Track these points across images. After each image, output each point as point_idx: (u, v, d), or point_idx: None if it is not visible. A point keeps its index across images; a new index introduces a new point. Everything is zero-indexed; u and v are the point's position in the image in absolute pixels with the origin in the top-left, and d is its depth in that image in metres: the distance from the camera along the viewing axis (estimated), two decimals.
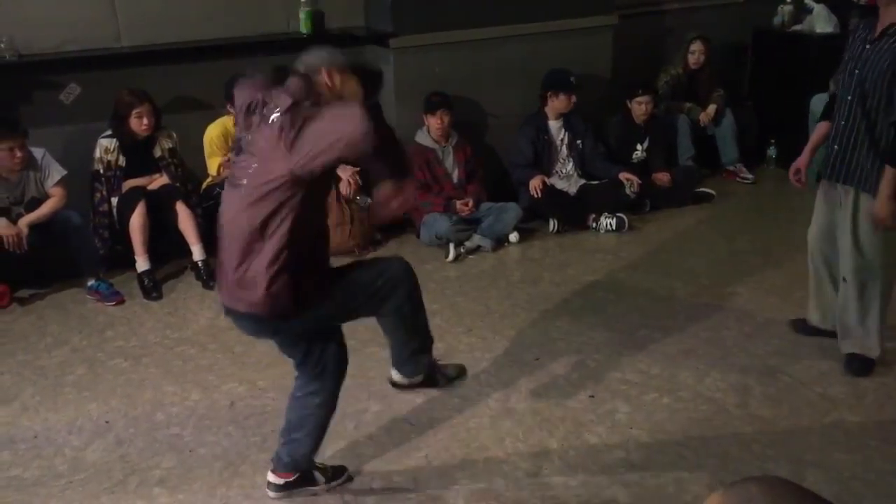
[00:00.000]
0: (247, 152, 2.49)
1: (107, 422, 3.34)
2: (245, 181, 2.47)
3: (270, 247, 2.44)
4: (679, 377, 3.52)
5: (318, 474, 2.87)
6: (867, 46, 3.16)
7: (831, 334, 3.59)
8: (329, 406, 2.78)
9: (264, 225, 2.43)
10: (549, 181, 5.27)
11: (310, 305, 2.57)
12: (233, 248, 2.50)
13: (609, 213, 5.18)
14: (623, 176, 5.31)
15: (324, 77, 2.53)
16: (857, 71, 3.19)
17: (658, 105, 5.76)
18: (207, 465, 3.04)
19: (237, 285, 2.51)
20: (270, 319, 2.55)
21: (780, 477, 1.06)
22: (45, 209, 4.34)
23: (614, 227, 5.16)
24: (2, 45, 4.41)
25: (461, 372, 3.55)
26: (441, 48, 5.22)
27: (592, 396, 3.40)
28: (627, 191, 5.29)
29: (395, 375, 3.41)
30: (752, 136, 6.23)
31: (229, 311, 2.64)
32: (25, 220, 4.26)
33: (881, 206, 3.14)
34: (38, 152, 4.35)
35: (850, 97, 3.22)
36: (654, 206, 5.46)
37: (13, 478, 3.00)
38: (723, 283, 4.41)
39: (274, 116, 2.42)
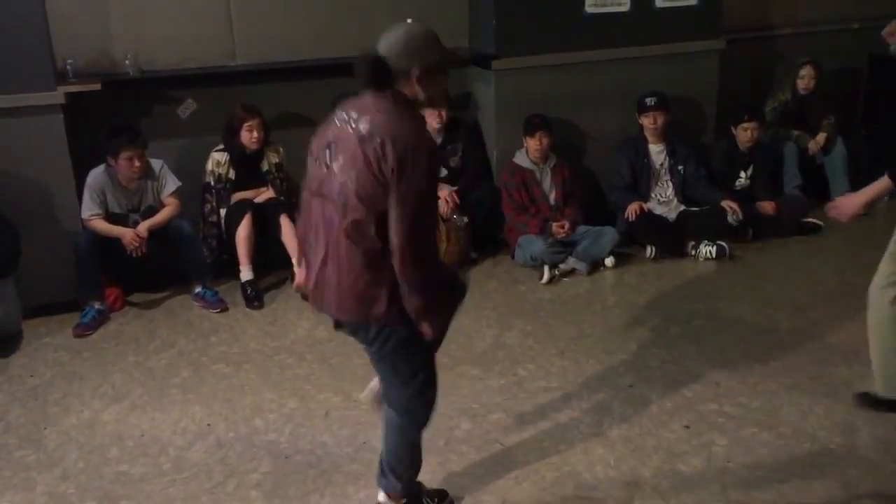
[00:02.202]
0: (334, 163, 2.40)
1: (208, 424, 3.46)
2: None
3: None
4: (781, 412, 3.40)
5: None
6: None
7: None
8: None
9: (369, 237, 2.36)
10: (647, 206, 5.20)
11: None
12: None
13: (709, 241, 5.06)
14: (725, 203, 5.19)
15: (415, 84, 2.35)
16: None
17: (765, 131, 5.62)
18: (302, 472, 3.11)
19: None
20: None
21: None
22: (161, 216, 4.57)
23: (714, 255, 5.04)
24: (127, 62, 4.68)
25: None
26: (543, 70, 5.24)
27: (688, 427, 3.32)
28: (729, 218, 5.15)
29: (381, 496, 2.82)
30: (865, 166, 5.98)
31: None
32: (145, 225, 4.49)
33: (854, 202, 3.08)
34: (156, 163, 4.59)
35: None
36: (758, 236, 5.31)
37: (121, 473, 3.14)
38: (830, 317, 4.24)
39: (364, 131, 2.31)
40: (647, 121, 5.25)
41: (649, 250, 5.13)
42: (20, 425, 3.50)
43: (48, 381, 3.87)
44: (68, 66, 4.51)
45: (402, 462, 2.74)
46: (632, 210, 5.10)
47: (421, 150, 2.28)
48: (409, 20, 2.44)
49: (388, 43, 2.36)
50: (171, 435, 3.39)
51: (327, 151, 2.41)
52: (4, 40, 4.20)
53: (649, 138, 5.31)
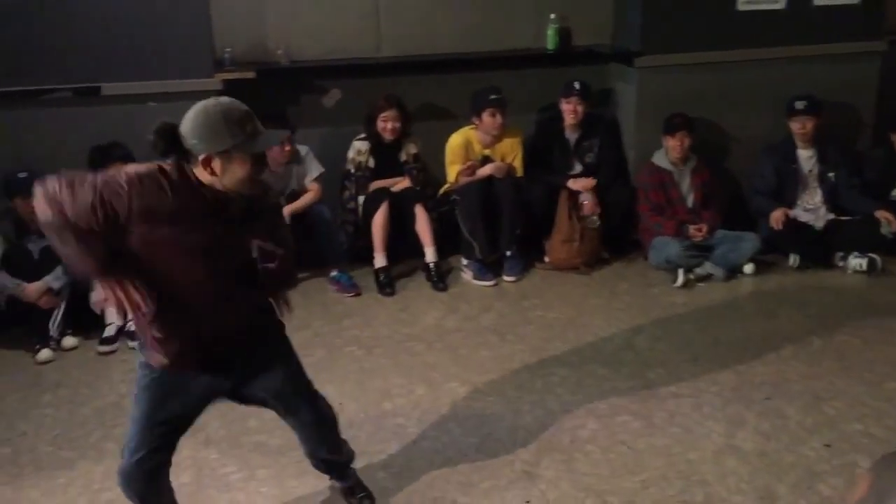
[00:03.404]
0: None
1: (340, 403, 3.55)
2: None
3: None
4: None
5: None
6: None
7: None
8: None
9: None
10: (792, 213, 4.98)
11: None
12: None
13: (860, 253, 4.79)
14: (880, 214, 4.88)
15: (199, 168, 2.20)
16: None
17: None
18: (428, 458, 3.16)
19: None
20: None
21: None
22: (303, 201, 4.75)
23: (865, 269, 4.76)
24: (279, 52, 4.89)
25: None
26: (688, 69, 5.11)
27: (829, 446, 3.16)
28: (883, 230, 4.85)
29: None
30: None
31: None
32: (288, 210, 4.67)
33: None
34: (303, 149, 4.78)
35: None
36: None
37: (259, 443, 3.29)
38: None
39: None
40: (795, 125, 5.02)
41: (793, 259, 4.90)
42: None
43: None
44: (226, 55, 4.75)
45: None
46: (777, 217, 4.89)
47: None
48: (217, 99, 2.23)
49: (185, 118, 2.21)
50: None
51: None
52: (170, 30, 4.49)
53: (798, 143, 5.07)
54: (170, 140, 2.18)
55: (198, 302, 2.31)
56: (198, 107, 2.20)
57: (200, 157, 2.18)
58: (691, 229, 4.84)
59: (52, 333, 4.12)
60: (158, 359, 2.38)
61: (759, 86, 5.20)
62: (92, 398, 3.69)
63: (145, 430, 2.42)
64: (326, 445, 2.78)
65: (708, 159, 5.10)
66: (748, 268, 4.82)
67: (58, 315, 4.14)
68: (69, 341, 4.15)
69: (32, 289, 4.10)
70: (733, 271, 4.81)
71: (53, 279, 4.11)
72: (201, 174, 2.22)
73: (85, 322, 4.25)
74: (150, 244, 2.20)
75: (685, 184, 5.01)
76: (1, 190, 4.24)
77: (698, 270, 4.78)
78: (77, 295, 4.23)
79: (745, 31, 5.11)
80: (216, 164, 2.18)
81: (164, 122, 2.20)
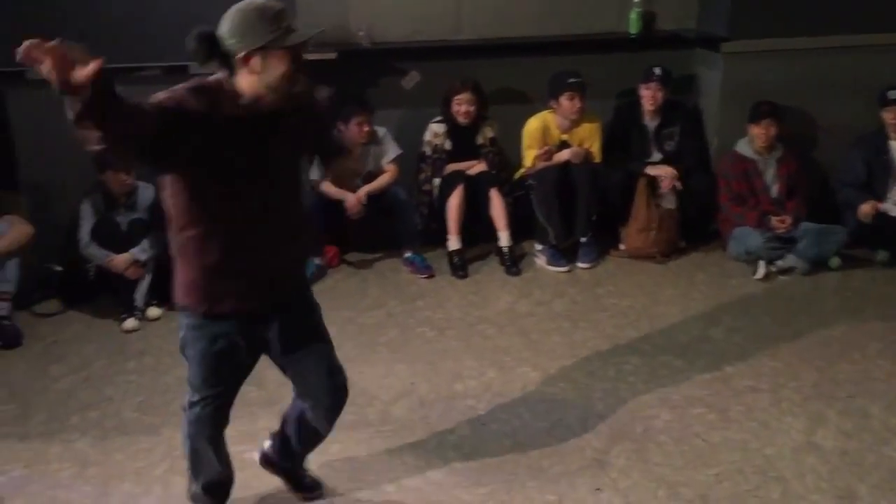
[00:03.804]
0: None
1: (412, 383, 3.61)
2: None
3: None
4: None
5: None
6: None
7: None
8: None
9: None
10: (882, 207, 4.79)
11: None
12: None
13: None
14: None
15: (242, 68, 2.19)
16: None
17: None
18: (498, 441, 3.17)
19: None
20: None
21: None
22: (380, 182, 4.79)
23: None
24: (360, 33, 4.93)
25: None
26: (777, 55, 4.95)
27: None
28: None
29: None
30: None
31: None
32: (365, 190, 4.74)
33: None
34: (380, 130, 4.81)
35: None
36: None
37: None
38: None
39: None
40: (888, 116, 4.82)
41: (881, 255, 4.73)
42: None
43: None
44: None
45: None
46: (865, 210, 4.71)
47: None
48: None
49: (221, 22, 2.20)
50: (377, 389, 3.57)
51: None
52: None
53: (891, 134, 4.87)
54: (209, 45, 2.18)
55: (245, 225, 2.30)
56: (232, 8, 2.20)
57: (239, 56, 2.16)
58: (774, 220, 4.71)
59: (137, 303, 4.28)
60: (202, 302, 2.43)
61: (850, 74, 5.00)
62: (173, 367, 3.81)
63: (203, 381, 2.51)
64: (326, 427, 2.77)
65: (796, 149, 4.94)
66: (833, 262, 4.67)
67: (143, 286, 4.30)
68: (153, 311, 4.30)
69: (120, 260, 4.26)
70: (817, 265, 4.66)
71: (140, 251, 4.27)
72: (242, 81, 2.20)
73: (169, 293, 4.37)
74: (197, 162, 2.21)
75: (769, 174, 4.87)
76: (92, 164, 4.39)
77: (780, 263, 4.65)
78: (162, 267, 4.36)
79: (836, 16, 4.91)
80: (255, 62, 2.17)
81: (202, 29, 2.19)
